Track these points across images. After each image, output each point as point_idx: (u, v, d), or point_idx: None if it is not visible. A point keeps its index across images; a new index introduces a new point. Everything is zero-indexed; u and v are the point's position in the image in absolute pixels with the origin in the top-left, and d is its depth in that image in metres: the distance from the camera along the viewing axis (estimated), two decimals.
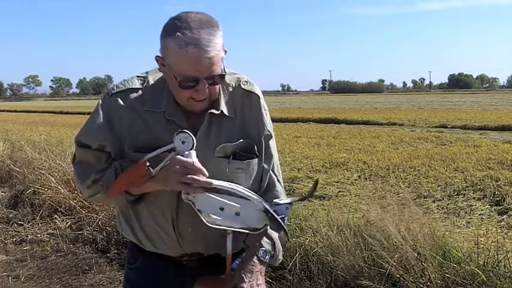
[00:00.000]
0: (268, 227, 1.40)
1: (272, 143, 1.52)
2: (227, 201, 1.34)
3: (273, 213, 1.37)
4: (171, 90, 1.39)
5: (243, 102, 1.47)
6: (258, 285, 1.36)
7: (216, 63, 1.30)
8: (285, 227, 1.40)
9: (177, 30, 1.27)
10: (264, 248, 1.40)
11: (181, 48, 1.26)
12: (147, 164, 1.29)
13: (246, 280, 1.35)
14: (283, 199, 1.46)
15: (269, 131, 1.50)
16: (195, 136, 1.31)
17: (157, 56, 1.36)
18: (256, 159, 1.46)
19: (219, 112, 1.41)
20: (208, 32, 1.28)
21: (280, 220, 1.37)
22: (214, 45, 1.28)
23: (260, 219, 1.37)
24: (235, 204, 1.34)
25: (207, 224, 1.32)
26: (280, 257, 1.48)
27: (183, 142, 1.28)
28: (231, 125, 1.44)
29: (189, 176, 1.27)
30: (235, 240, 1.40)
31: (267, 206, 1.37)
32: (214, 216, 1.33)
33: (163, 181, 1.31)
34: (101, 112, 1.41)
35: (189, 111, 1.40)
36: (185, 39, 1.26)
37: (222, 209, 1.33)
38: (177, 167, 1.27)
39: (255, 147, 1.45)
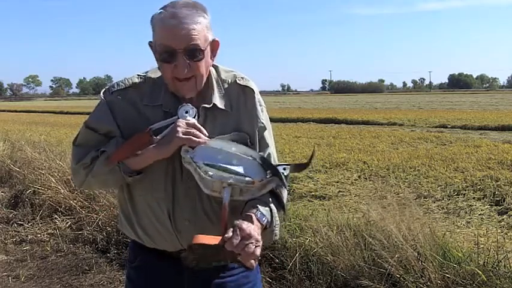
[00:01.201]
0: (268, 190, 1.37)
1: (267, 134, 1.53)
2: (225, 149, 1.37)
3: (272, 164, 1.39)
4: (163, 76, 1.41)
5: (239, 97, 1.49)
6: (255, 232, 1.27)
7: (195, 38, 1.33)
8: (282, 178, 1.36)
9: (162, 9, 1.36)
10: (261, 211, 1.35)
11: (161, 22, 1.34)
12: (151, 133, 1.34)
13: (244, 225, 1.27)
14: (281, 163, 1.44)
15: (263, 123, 1.51)
16: None
17: (149, 42, 1.41)
18: None
19: (210, 105, 1.43)
20: (190, 10, 1.34)
21: (276, 168, 1.37)
22: (193, 20, 1.33)
23: (257, 172, 1.37)
24: (233, 152, 1.37)
25: (205, 176, 1.31)
26: (277, 233, 1.44)
27: (186, 112, 1.37)
28: (226, 119, 1.45)
29: (193, 130, 1.34)
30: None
31: (264, 157, 1.40)
32: (211, 172, 1.32)
33: (166, 142, 1.34)
34: (106, 105, 1.45)
35: None
36: (166, 13, 1.34)
37: (219, 156, 1.36)
38: (180, 124, 1.35)
39: (249, 140, 1.46)
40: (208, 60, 1.41)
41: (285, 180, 1.37)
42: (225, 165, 1.34)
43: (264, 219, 1.34)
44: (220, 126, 1.44)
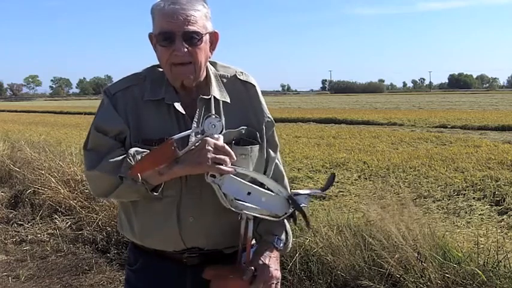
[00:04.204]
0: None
1: (275, 131, 1.54)
2: (254, 186, 1.35)
3: (296, 201, 1.40)
4: (161, 63, 1.41)
5: (240, 91, 1.49)
6: (276, 269, 1.41)
7: (194, 23, 1.34)
8: (307, 214, 1.42)
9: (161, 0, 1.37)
10: (278, 237, 1.46)
11: (160, 8, 1.34)
12: (175, 146, 1.27)
13: (266, 263, 1.40)
14: (303, 190, 1.46)
15: (270, 118, 1.52)
16: (191, 121, 1.37)
17: (149, 33, 1.41)
18: (258, 145, 1.47)
19: (208, 97, 1.43)
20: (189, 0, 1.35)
21: (303, 209, 1.40)
22: (193, 6, 1.34)
23: (282, 207, 1.39)
24: (262, 190, 1.36)
25: (230, 207, 1.33)
26: (290, 245, 1.53)
27: (213, 126, 1.29)
28: (230, 112, 1.45)
29: (222, 156, 1.28)
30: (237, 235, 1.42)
31: (291, 195, 1.40)
32: (238, 201, 1.33)
33: (193, 163, 1.29)
34: (110, 104, 1.42)
35: (187, 99, 1.42)
36: (165, 1, 1.35)
37: (249, 193, 1.34)
38: (209, 147, 1.28)
39: (258, 135, 1.47)
40: (207, 50, 1.40)
41: (306, 212, 1.43)
42: (253, 204, 1.35)
43: (281, 245, 1.46)
44: (225, 119, 1.42)
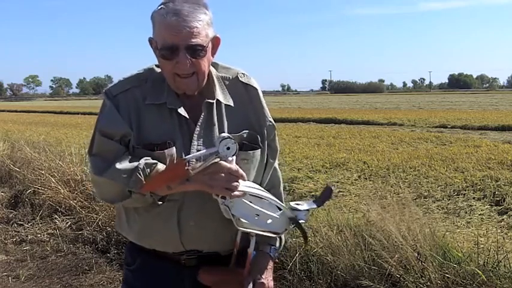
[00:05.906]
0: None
1: (276, 134, 1.55)
2: (263, 210, 1.37)
3: (299, 222, 1.43)
4: (163, 72, 1.40)
5: (242, 94, 1.49)
6: (270, 280, 1.49)
7: (197, 35, 1.32)
8: (307, 234, 1.51)
9: (162, 4, 1.34)
10: (274, 247, 1.52)
11: (162, 17, 1.32)
12: (187, 166, 1.28)
13: (262, 276, 1.45)
14: (301, 204, 1.47)
15: (271, 122, 1.52)
16: (195, 126, 1.39)
17: (149, 38, 1.39)
18: (259, 150, 1.47)
19: (214, 101, 1.43)
20: (191, 6, 1.32)
21: (304, 228, 1.46)
22: (195, 17, 1.32)
23: (283, 225, 1.43)
24: (269, 213, 1.38)
25: (237, 226, 1.36)
26: (282, 247, 1.60)
27: (228, 148, 1.29)
28: (232, 115, 1.45)
29: (235, 183, 1.29)
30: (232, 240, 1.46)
31: (294, 216, 1.43)
32: (244, 221, 1.36)
33: (205, 185, 1.30)
34: (113, 107, 1.41)
35: (189, 103, 1.42)
36: (167, 9, 1.32)
37: (257, 215, 1.37)
38: (223, 174, 1.29)
39: (259, 138, 1.47)
40: (209, 57, 1.40)
41: (306, 232, 1.53)
42: (259, 225, 1.38)
43: (276, 254, 1.52)
44: (227, 122, 1.43)
